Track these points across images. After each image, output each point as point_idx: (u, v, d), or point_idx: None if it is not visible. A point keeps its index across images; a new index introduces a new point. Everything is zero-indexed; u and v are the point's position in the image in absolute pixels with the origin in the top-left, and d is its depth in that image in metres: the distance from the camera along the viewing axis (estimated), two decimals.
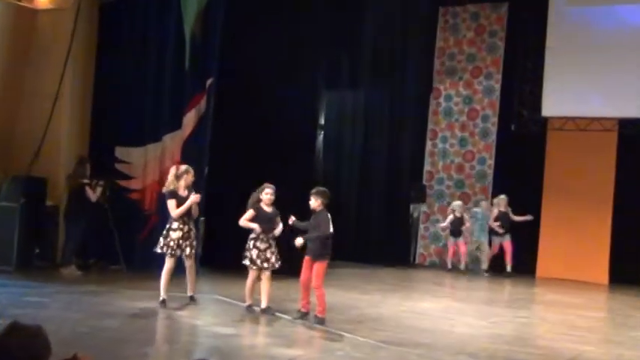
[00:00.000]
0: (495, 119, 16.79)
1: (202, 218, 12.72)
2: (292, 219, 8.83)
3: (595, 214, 15.35)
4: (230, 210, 12.71)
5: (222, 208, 13.04)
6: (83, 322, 7.69)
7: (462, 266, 15.50)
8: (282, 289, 10.12)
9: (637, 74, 14.59)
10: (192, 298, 9.28)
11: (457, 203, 15.78)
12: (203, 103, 12.07)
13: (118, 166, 12.51)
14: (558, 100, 15.35)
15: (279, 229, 8.94)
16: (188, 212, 9.07)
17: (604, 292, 14.34)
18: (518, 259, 15.69)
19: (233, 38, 12.81)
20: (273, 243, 8.95)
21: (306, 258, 8.64)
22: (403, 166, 16.55)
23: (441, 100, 17.31)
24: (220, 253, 12.79)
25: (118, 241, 11.72)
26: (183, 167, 9.25)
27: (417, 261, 17.00)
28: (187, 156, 12.00)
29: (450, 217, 15.63)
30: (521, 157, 16.17)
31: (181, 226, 9.03)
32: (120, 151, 12.55)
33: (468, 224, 15.51)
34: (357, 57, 16.64)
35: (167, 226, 9.09)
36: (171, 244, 8.99)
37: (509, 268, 15.15)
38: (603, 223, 15.29)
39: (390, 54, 16.64)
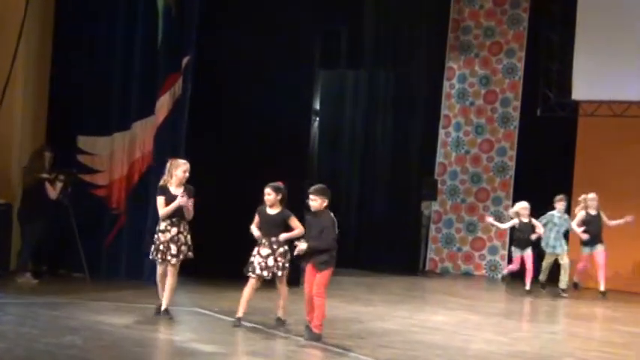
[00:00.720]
0: (518, 103, 16.81)
1: None
2: (301, 246, 8.50)
3: (633, 212, 15.37)
4: (210, 210, 12.76)
5: (200, 207, 13.01)
6: (40, 338, 7.68)
7: (528, 286, 14.10)
8: (273, 299, 10.11)
9: None
10: (166, 312, 9.24)
11: (523, 204, 14.39)
12: (178, 85, 12.04)
13: (80, 158, 12.50)
14: (591, 82, 15.35)
15: (286, 234, 8.93)
16: (179, 213, 9.13)
17: None
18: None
19: (214, 10, 12.79)
20: (278, 249, 8.99)
21: (309, 266, 8.63)
22: (412, 158, 16.54)
23: (454, 81, 17.32)
24: (199, 260, 12.76)
25: (80, 245, 11.70)
26: (176, 161, 9.29)
27: (427, 267, 17.02)
28: (161, 146, 11.99)
29: (515, 221, 14.38)
30: (548, 148, 16.18)
31: (169, 227, 9.13)
32: (83, 141, 12.54)
33: (540, 231, 14.12)
34: (358, 31, 16.62)
35: (157, 227, 9.23)
36: (161, 247, 9.11)
37: (602, 287, 14.12)
38: None
39: (395, 28, 16.62)
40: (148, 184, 12.12)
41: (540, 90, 16.04)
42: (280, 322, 9.21)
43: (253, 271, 8.97)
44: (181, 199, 9.03)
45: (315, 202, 8.59)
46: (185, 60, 12.02)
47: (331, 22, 15.22)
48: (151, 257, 9.22)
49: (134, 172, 12.34)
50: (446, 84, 17.35)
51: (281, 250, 9.01)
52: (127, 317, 9.03)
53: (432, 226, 17.23)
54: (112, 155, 12.45)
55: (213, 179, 12.62)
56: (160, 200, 9.11)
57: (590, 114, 15.66)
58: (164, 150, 12.01)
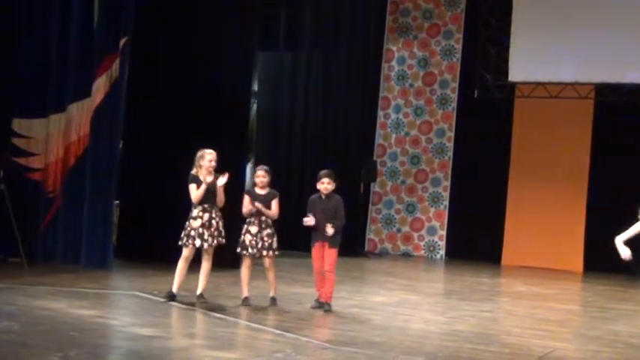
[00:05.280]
0: (455, 85, 17.00)
1: (116, 202, 12.65)
2: (330, 229, 9.40)
3: (568, 193, 15.71)
4: (148, 192, 12.72)
5: (138, 189, 12.98)
6: None
7: None
8: (211, 282, 10.13)
9: (617, 34, 14.89)
10: (201, 296, 9.41)
11: None
12: (116, 66, 11.92)
13: (16, 141, 12.33)
14: (527, 63, 15.59)
15: (269, 212, 9.40)
16: (210, 199, 9.31)
17: (578, 281, 14.71)
18: (481, 245, 16.01)
19: None
20: (266, 228, 9.42)
21: (317, 245, 9.47)
22: (351, 140, 16.63)
23: (394, 63, 17.44)
24: (137, 243, 12.75)
25: (16, 229, 11.55)
26: (203, 151, 9.43)
27: (366, 248, 17.16)
28: (98, 128, 11.92)
29: None
30: (485, 129, 16.42)
31: (201, 213, 9.31)
32: (18, 124, 12.35)
33: None
34: (297, 12, 16.62)
35: (189, 214, 9.40)
36: (192, 233, 9.29)
37: None
38: (577, 204, 15.65)
39: (334, 9, 16.65)
40: (84, 167, 12.03)
41: (478, 72, 16.23)
42: (274, 302, 9.54)
43: (246, 250, 9.36)
44: (212, 178, 9.25)
45: (330, 186, 9.53)
46: (123, 41, 11.91)
47: (270, 4, 15.20)
48: (180, 243, 9.33)
49: (70, 155, 12.21)
50: (385, 66, 17.46)
51: (269, 230, 9.43)
52: (65, 302, 8.97)
53: (371, 207, 17.38)
54: (48, 138, 12.29)
55: (152, 160, 12.62)
56: (192, 187, 9.30)
57: (527, 95, 15.91)
58: (101, 132, 11.94)
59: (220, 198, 9.36)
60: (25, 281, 10.28)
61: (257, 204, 9.30)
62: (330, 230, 9.32)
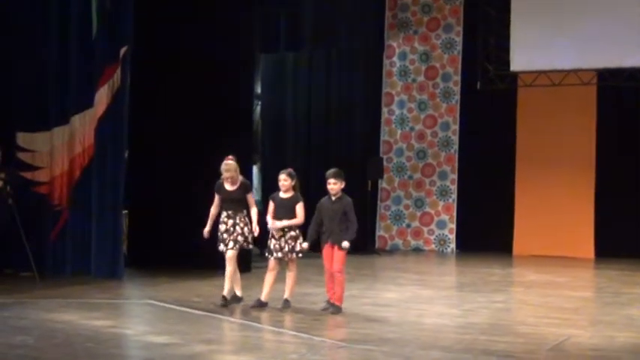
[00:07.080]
0: (458, 77, 16.98)
1: (125, 211, 12.66)
2: (346, 244, 9.29)
3: (576, 180, 15.67)
4: (156, 200, 12.73)
5: (147, 197, 12.98)
6: None
7: None
8: (217, 286, 10.12)
9: (616, 19, 14.83)
10: (224, 299, 9.47)
11: None
12: (117, 76, 11.91)
13: (20, 155, 12.32)
14: (529, 53, 15.55)
15: (292, 221, 9.34)
16: (233, 206, 9.45)
17: (590, 267, 14.67)
18: (492, 235, 15.98)
19: None
20: (289, 231, 9.41)
21: (327, 245, 9.32)
22: (356, 138, 16.64)
23: (395, 58, 17.42)
24: (148, 251, 12.75)
25: (26, 243, 11.55)
26: (225, 161, 9.46)
27: (377, 245, 17.14)
28: (102, 139, 11.92)
29: None
30: (490, 120, 16.41)
31: (226, 219, 9.48)
32: (22, 138, 12.35)
33: None
34: (297, 12, 16.61)
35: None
36: (221, 237, 9.48)
37: None
38: (586, 191, 15.62)
39: (333, 8, 16.64)
40: (90, 178, 12.02)
41: (479, 63, 16.19)
42: (287, 304, 9.47)
43: (270, 254, 9.41)
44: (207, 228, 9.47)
45: (335, 186, 9.33)
46: (123, 50, 11.90)
47: (269, 4, 15.22)
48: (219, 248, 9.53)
49: (75, 168, 12.19)
50: (386, 62, 17.45)
51: (292, 233, 9.41)
52: (78, 313, 8.96)
53: (380, 204, 17.36)
54: (52, 151, 12.29)
55: (158, 167, 12.62)
56: (216, 197, 9.49)
57: (529, 84, 15.87)
58: (106, 142, 11.93)
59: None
60: (36, 294, 10.29)
61: (279, 223, 9.29)
62: (345, 245, 9.27)
